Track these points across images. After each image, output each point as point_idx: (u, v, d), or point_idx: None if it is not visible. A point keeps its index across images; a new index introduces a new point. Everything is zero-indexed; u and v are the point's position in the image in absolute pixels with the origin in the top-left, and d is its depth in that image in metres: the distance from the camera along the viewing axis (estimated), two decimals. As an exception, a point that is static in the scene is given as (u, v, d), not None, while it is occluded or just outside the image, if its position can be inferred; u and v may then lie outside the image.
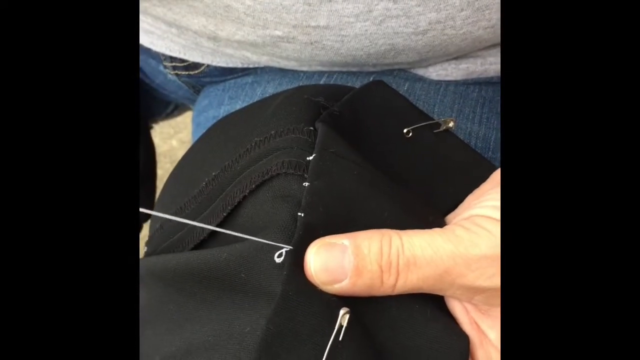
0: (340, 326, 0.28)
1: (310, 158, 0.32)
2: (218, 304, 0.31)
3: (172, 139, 1.23)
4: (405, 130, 0.37)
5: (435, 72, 0.45)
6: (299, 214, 0.30)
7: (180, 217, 0.37)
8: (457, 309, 0.31)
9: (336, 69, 0.45)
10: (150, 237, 0.40)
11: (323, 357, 0.27)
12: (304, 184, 0.31)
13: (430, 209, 0.34)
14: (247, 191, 0.33)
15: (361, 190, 0.32)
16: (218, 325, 0.30)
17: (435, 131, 0.38)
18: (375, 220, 0.31)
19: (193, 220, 0.35)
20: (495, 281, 0.29)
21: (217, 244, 0.34)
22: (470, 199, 0.34)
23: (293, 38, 0.39)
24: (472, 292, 0.30)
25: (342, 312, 0.28)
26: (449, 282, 0.29)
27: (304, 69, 0.45)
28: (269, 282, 0.29)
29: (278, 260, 0.29)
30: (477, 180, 0.35)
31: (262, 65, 0.46)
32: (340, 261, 0.28)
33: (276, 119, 0.36)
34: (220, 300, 0.31)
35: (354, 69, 0.45)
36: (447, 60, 0.45)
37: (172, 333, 0.32)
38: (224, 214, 0.34)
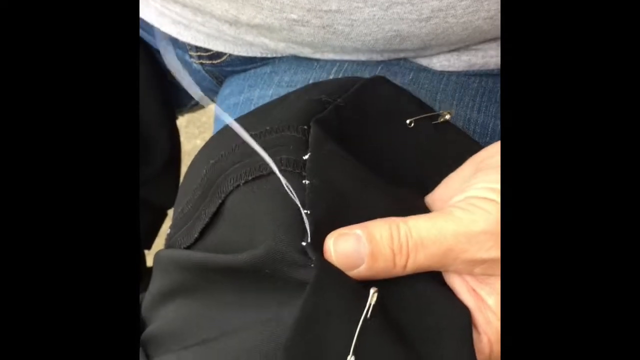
0: (370, 305, 0.31)
1: (306, 157, 0.35)
2: (247, 295, 0.34)
3: (197, 139, 1.27)
4: (408, 121, 0.40)
5: (439, 63, 0.48)
6: (305, 211, 0.33)
7: (184, 210, 0.39)
8: (456, 281, 0.34)
9: (346, 57, 0.48)
10: (174, 219, 0.42)
11: (356, 332, 0.30)
12: (303, 181, 0.34)
13: (419, 199, 0.37)
14: (242, 181, 0.35)
15: (357, 186, 0.34)
16: (249, 311, 0.33)
17: (434, 122, 0.41)
18: (373, 212, 0.34)
19: (194, 214, 0.38)
20: (494, 253, 0.32)
21: (202, 244, 0.37)
22: (453, 182, 0.37)
23: (307, 22, 0.43)
24: (473, 265, 0.33)
25: (372, 290, 0.31)
26: (452, 258, 0.32)
27: (317, 56, 0.48)
28: (295, 273, 0.32)
29: (298, 256, 0.32)
30: None
31: (279, 54, 0.50)
32: (356, 248, 0.32)
33: (275, 116, 0.38)
34: (248, 292, 0.34)
35: (363, 58, 0.48)
36: (450, 51, 0.48)
37: (202, 318, 0.35)
38: (219, 201, 0.36)
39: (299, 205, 0.33)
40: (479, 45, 0.48)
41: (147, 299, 0.40)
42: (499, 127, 0.47)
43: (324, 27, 0.44)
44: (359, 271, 0.32)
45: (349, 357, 0.30)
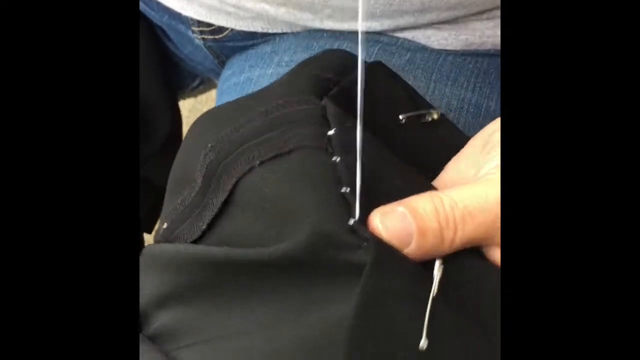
0: (437, 279, 0.29)
1: (331, 132, 0.32)
2: (283, 288, 0.31)
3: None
4: (401, 117, 0.38)
5: (437, 42, 0.48)
6: (344, 189, 0.30)
7: (185, 201, 0.37)
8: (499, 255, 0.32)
9: (345, 25, 0.48)
10: (170, 213, 0.39)
11: (427, 312, 0.28)
12: (333, 158, 0.32)
13: (430, 182, 0.36)
14: (257, 162, 0.33)
15: (382, 164, 0.33)
16: (296, 301, 0.31)
17: (422, 121, 0.39)
18: (403, 190, 0.32)
19: (199, 204, 0.35)
20: None
21: (213, 236, 0.34)
22: (462, 160, 0.36)
23: None
24: None
25: (437, 263, 0.29)
26: (498, 227, 0.30)
27: (316, 24, 0.48)
28: (345, 256, 0.30)
29: (348, 237, 0.30)
30: None
31: (278, 28, 0.50)
32: (403, 226, 0.30)
33: (282, 91, 0.36)
34: (284, 286, 0.31)
35: (362, 27, 0.48)
36: (448, 24, 0.48)
37: (226, 313, 0.33)
38: (230, 187, 0.34)
39: (344, 183, 0.30)
40: (476, 24, 0.49)
41: (144, 298, 0.37)
42: (492, 107, 0.47)
43: None
44: (407, 251, 0.30)
45: (422, 341, 0.28)
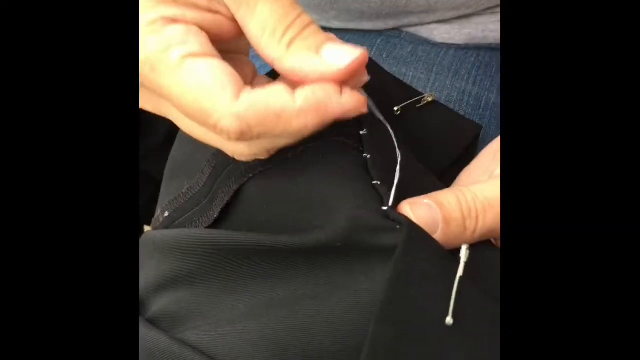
0: (464, 262, 0.30)
1: (363, 132, 0.34)
2: (327, 267, 0.32)
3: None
4: (395, 109, 0.40)
5: (440, 35, 0.48)
6: (375, 182, 0.33)
7: (193, 189, 0.37)
8: None
9: (351, 25, 0.48)
10: (171, 201, 0.39)
11: (453, 293, 0.30)
12: (364, 155, 0.34)
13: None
14: (290, 154, 0.34)
15: (406, 162, 0.34)
16: (331, 280, 0.31)
17: (418, 106, 0.41)
18: (427, 186, 0.34)
19: (209, 191, 0.35)
20: None
21: (229, 222, 0.35)
22: (475, 171, 0.37)
23: None
24: None
25: (464, 247, 0.31)
26: None
27: (322, 24, 0.48)
28: (379, 239, 0.31)
29: (383, 220, 0.31)
30: (462, 133, 0.39)
31: None
32: (430, 215, 0.32)
33: None
34: (326, 264, 0.32)
35: (367, 26, 0.48)
36: (452, 20, 0.48)
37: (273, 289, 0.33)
38: (244, 179, 0.34)
39: (374, 173, 0.32)
40: (480, 18, 0.48)
41: (143, 283, 0.37)
42: (492, 100, 0.47)
43: None
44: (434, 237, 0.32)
45: (448, 319, 0.29)
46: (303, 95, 0.29)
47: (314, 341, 0.30)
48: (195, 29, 0.30)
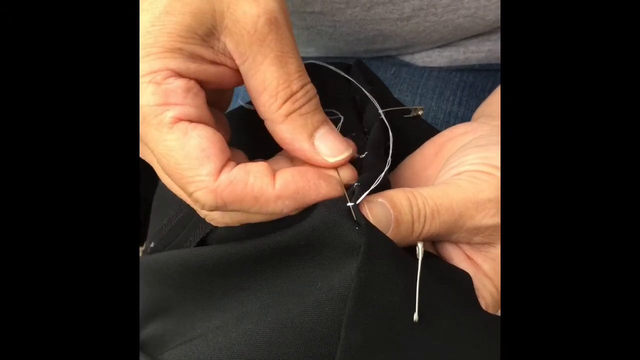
0: (421, 258, 0.31)
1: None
2: (292, 272, 0.32)
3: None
4: (380, 111, 0.39)
5: (421, 59, 0.49)
6: (356, 183, 0.32)
7: (177, 216, 0.36)
8: (453, 250, 0.35)
9: (331, 54, 0.48)
10: (160, 229, 0.38)
11: (417, 287, 0.31)
12: (361, 157, 0.33)
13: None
14: None
15: (375, 161, 0.34)
16: (294, 287, 0.32)
17: (405, 116, 0.41)
18: (388, 184, 0.34)
19: (190, 217, 0.36)
20: (496, 219, 0.33)
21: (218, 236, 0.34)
22: (415, 162, 0.38)
23: (291, 23, 0.42)
24: (475, 233, 0.34)
25: (420, 245, 0.31)
26: (459, 226, 0.33)
27: (302, 54, 0.43)
28: (346, 237, 0.31)
29: (347, 221, 0.31)
30: None
31: None
32: (384, 215, 0.32)
33: None
34: (291, 269, 0.32)
35: (347, 55, 0.48)
36: (432, 48, 0.48)
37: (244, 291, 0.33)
38: None
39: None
40: (460, 42, 0.49)
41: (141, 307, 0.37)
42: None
43: (307, 29, 0.45)
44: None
45: (415, 315, 0.31)
46: (283, 181, 0.30)
47: (279, 351, 0.31)
48: (196, 88, 0.30)
